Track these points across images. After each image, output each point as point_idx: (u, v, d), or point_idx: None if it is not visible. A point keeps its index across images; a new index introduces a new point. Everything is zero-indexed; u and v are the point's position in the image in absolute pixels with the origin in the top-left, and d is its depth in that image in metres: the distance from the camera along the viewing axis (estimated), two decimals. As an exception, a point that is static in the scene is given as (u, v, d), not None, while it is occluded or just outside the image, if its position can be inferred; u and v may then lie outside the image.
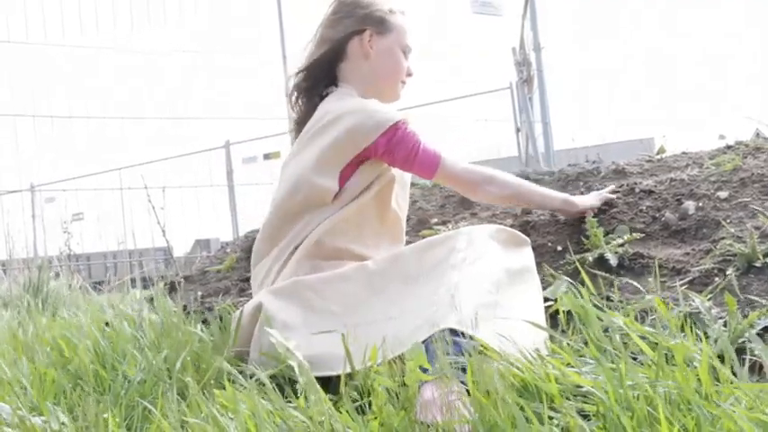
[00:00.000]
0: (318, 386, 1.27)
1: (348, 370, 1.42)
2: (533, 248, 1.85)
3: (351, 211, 1.86)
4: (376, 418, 1.20)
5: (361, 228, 1.88)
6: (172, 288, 2.81)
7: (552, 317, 1.66)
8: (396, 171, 1.93)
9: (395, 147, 1.83)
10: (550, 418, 1.11)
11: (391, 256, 1.73)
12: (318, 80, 1.99)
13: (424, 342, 1.37)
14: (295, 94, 2.04)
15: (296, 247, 1.84)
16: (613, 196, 2.11)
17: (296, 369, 1.25)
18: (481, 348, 1.26)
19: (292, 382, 1.51)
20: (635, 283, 1.72)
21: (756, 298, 1.57)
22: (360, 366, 1.40)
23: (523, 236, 1.81)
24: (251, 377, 1.50)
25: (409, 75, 2.06)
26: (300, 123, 2.01)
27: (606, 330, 1.41)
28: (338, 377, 1.44)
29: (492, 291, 1.51)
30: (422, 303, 1.53)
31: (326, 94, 1.98)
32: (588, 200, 2.08)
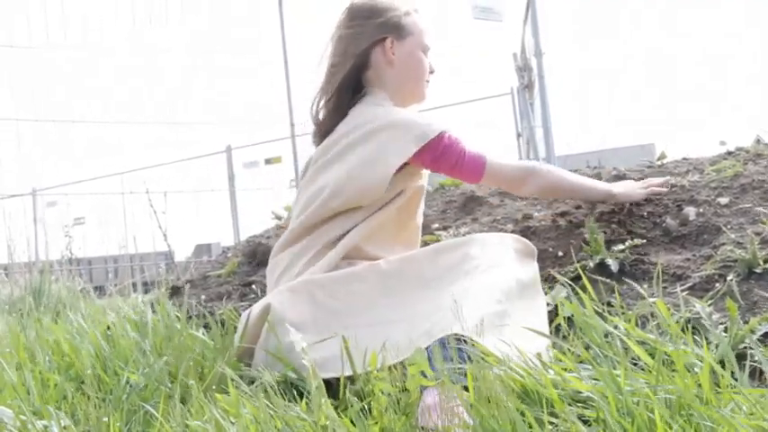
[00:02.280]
0: (325, 390, 1.27)
1: (351, 372, 1.43)
2: (534, 254, 1.86)
3: (383, 215, 1.88)
4: (377, 423, 1.20)
5: (382, 231, 1.89)
6: (173, 292, 2.81)
7: (556, 327, 1.67)
8: (423, 182, 1.96)
9: (440, 156, 1.87)
10: (551, 423, 1.12)
11: (404, 258, 1.73)
12: (345, 93, 1.99)
13: (428, 347, 1.38)
14: (319, 109, 2.03)
15: (326, 245, 1.84)
16: (664, 189, 2.11)
17: (310, 369, 1.25)
18: (483, 355, 1.26)
19: (294, 385, 1.51)
20: (637, 287, 1.73)
21: (758, 299, 1.57)
22: (364, 369, 1.40)
23: (533, 246, 1.82)
24: (251, 383, 1.50)
25: (432, 72, 2.06)
26: (326, 132, 2.01)
27: (607, 336, 1.41)
28: (339, 381, 1.45)
29: (501, 300, 1.51)
30: (432, 308, 1.54)
31: (357, 101, 1.98)
32: (634, 192, 2.08)
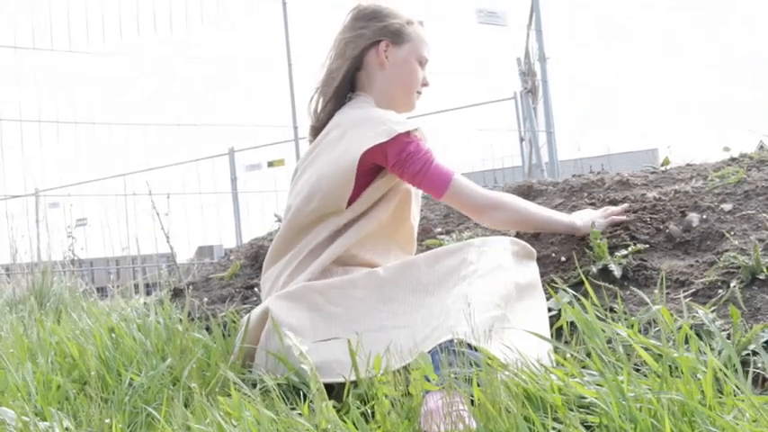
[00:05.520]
0: (326, 394, 1.27)
1: (354, 378, 1.43)
2: (537, 259, 1.85)
3: (374, 221, 1.88)
4: (380, 427, 1.20)
5: (375, 236, 1.90)
6: (175, 294, 2.81)
7: (557, 330, 1.66)
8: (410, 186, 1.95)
9: (406, 160, 1.84)
10: (554, 428, 1.12)
11: (402, 265, 1.73)
12: (339, 93, 2.01)
13: (430, 352, 1.38)
14: (315, 107, 2.06)
15: (309, 252, 1.85)
16: (624, 217, 2.04)
17: (309, 373, 1.25)
18: (487, 360, 1.26)
19: (296, 389, 1.51)
20: (639, 293, 1.73)
21: (761, 306, 1.57)
22: (365, 374, 1.40)
23: (531, 248, 1.81)
24: (253, 386, 1.50)
25: (425, 85, 2.07)
26: (317, 131, 2.04)
27: (610, 341, 1.41)
28: (342, 384, 1.45)
29: (501, 305, 1.51)
30: (431, 313, 1.54)
31: (345, 102, 2.01)
32: (596, 223, 2.01)
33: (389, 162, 1.85)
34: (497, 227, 2.08)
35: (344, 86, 2.01)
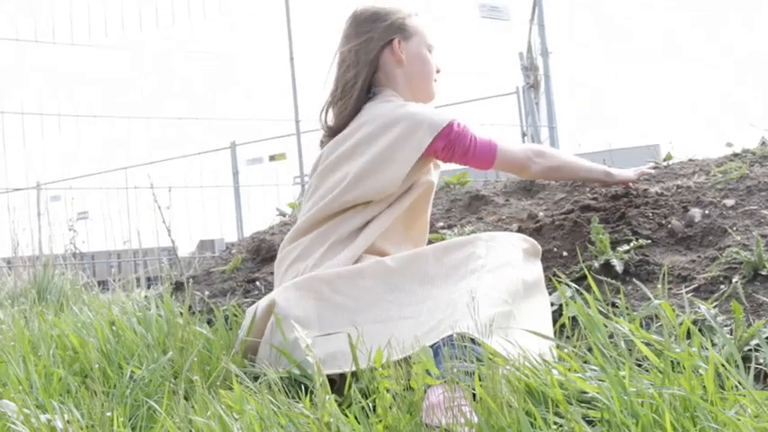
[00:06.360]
0: (329, 387, 1.27)
1: (356, 369, 1.43)
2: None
3: (397, 210, 1.91)
4: (381, 421, 1.20)
5: (392, 226, 1.91)
6: (176, 288, 2.81)
7: (559, 325, 1.66)
8: (433, 177, 1.98)
9: (453, 143, 1.90)
10: (555, 423, 1.12)
11: (410, 255, 1.74)
12: (360, 98, 2.01)
13: (434, 345, 1.38)
14: (335, 116, 2.05)
15: (337, 239, 1.86)
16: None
17: (314, 367, 1.25)
18: (490, 356, 1.26)
19: (299, 382, 1.51)
20: (643, 288, 1.72)
21: (763, 301, 1.57)
22: (368, 365, 1.40)
23: (538, 246, 1.82)
24: (255, 379, 1.50)
25: (438, 71, 2.11)
26: (337, 130, 2.03)
27: (611, 337, 1.41)
28: (343, 379, 1.45)
29: (508, 301, 1.51)
30: (437, 305, 1.54)
31: (367, 99, 2.01)
32: (627, 173, 2.22)
33: (438, 150, 1.90)
34: (540, 176, 2.13)
35: (364, 92, 2.02)
